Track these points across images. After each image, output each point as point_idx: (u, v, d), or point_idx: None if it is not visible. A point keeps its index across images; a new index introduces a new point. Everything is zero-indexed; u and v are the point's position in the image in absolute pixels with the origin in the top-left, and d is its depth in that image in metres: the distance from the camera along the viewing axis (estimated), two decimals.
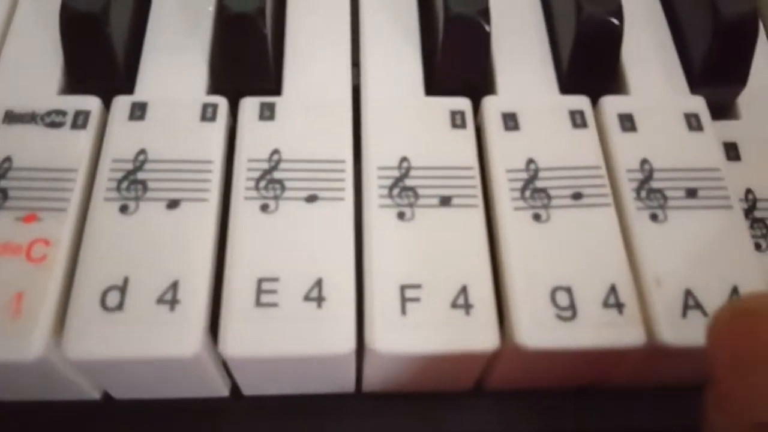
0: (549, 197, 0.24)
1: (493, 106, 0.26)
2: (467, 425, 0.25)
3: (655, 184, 0.25)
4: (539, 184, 0.24)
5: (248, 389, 0.25)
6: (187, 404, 0.25)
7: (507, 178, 0.25)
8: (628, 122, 0.26)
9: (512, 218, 0.24)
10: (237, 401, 0.25)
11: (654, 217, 0.24)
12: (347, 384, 0.25)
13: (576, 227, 0.24)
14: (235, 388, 0.25)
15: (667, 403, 0.25)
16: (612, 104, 0.27)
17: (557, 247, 0.23)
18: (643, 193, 0.24)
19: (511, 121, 0.26)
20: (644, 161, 0.25)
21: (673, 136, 0.26)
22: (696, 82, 0.28)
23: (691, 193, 0.25)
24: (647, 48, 0.29)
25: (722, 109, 0.28)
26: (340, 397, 0.25)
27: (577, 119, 0.26)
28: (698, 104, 0.27)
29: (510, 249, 0.23)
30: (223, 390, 0.25)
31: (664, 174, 0.25)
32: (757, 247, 0.24)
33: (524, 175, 0.25)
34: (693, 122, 0.26)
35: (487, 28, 0.26)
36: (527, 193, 0.24)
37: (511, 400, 0.25)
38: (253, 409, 0.25)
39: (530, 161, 0.25)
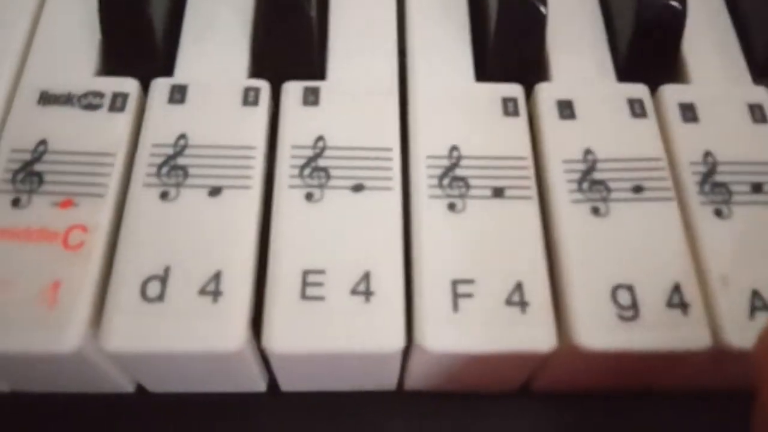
0: (608, 190, 0.23)
1: (547, 93, 0.25)
2: (513, 428, 0.24)
3: (719, 178, 0.23)
4: (597, 175, 0.23)
5: (287, 385, 0.24)
6: (222, 399, 0.24)
7: (563, 169, 0.23)
8: (689, 112, 0.25)
9: (569, 211, 0.23)
10: (274, 397, 0.24)
11: (718, 213, 0.23)
12: (389, 382, 0.24)
13: (637, 222, 0.22)
14: (272, 384, 0.24)
15: (724, 410, 0.24)
16: (672, 93, 0.25)
17: (617, 242, 0.22)
18: (707, 187, 0.23)
19: (566, 109, 0.25)
20: (707, 153, 0.24)
21: (737, 127, 0.25)
22: (759, 71, 0.26)
23: (757, 187, 0.23)
24: (708, 35, 0.27)
25: None
26: (381, 395, 0.24)
27: (636, 108, 0.25)
28: (762, 95, 0.25)
29: (568, 243, 0.22)
30: (260, 385, 0.24)
31: (728, 167, 0.24)
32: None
33: (581, 167, 0.23)
34: (757, 113, 0.25)
35: (543, 10, 0.25)
36: (585, 185, 0.23)
37: (559, 404, 0.24)
38: (291, 405, 0.24)
39: (587, 151, 0.24)
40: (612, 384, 0.24)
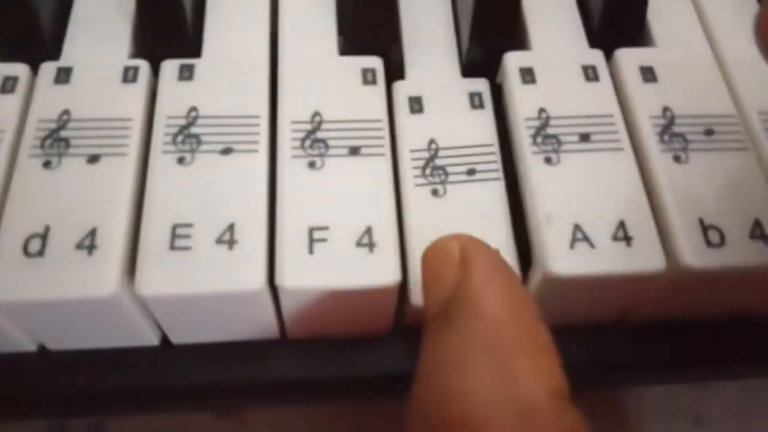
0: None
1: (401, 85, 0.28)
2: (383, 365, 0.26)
3: (550, 131, 0.26)
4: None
5: (176, 337, 0.26)
6: (116, 352, 0.26)
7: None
8: (528, 76, 0.28)
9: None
10: (165, 349, 0.27)
11: (548, 161, 0.26)
12: (270, 329, 0.26)
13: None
14: (165, 339, 0.26)
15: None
16: (514, 59, 0.28)
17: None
18: (539, 139, 0.26)
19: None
20: (541, 109, 0.27)
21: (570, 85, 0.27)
22: (595, 38, 0.29)
23: (585, 137, 0.26)
24: (549, 3, 0.30)
25: None
26: (264, 343, 0.27)
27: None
28: (596, 57, 0.28)
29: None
30: (152, 339, 0.26)
31: (559, 121, 0.27)
32: (677, 159, 0.26)
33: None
34: (590, 73, 0.28)
35: None
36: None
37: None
38: (181, 356, 0.26)
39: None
40: None
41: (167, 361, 0.26)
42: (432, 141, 0.27)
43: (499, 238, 0.25)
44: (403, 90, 0.28)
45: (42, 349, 0.26)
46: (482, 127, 0.27)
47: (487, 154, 0.26)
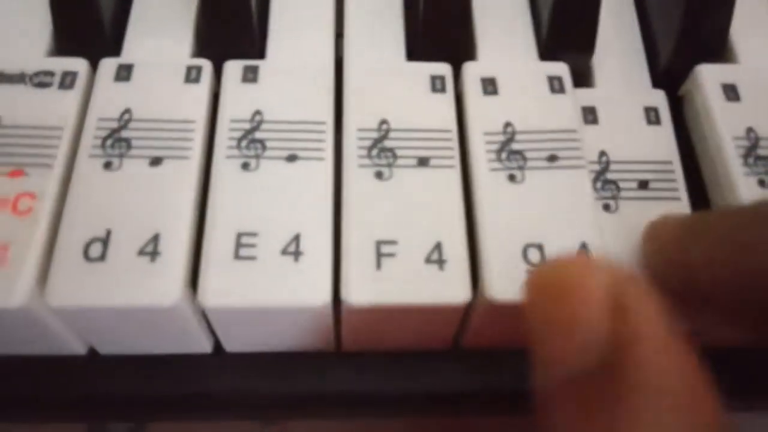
0: (525, 159, 0.25)
1: (472, 71, 0.27)
2: (443, 381, 0.26)
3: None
4: (516, 146, 0.25)
5: (230, 345, 0.25)
6: (169, 359, 0.25)
7: (484, 140, 0.25)
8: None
9: (488, 178, 0.24)
10: (219, 357, 0.26)
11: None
12: (326, 341, 0.25)
13: (550, 187, 0.24)
14: (218, 345, 0.26)
15: None
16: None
17: (531, 206, 0.24)
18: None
19: (490, 86, 0.26)
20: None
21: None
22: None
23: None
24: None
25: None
26: (321, 354, 0.26)
27: (555, 85, 0.27)
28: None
29: (484, 207, 0.24)
30: (205, 346, 0.25)
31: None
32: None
33: (501, 138, 0.25)
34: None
35: None
36: (503, 155, 0.25)
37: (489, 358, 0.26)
38: (235, 364, 0.26)
39: (507, 124, 0.25)
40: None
41: (219, 368, 0.26)
42: (508, 124, 0.25)
43: (585, 232, 0.24)
44: (474, 71, 0.27)
45: (92, 352, 0.25)
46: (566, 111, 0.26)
47: (570, 140, 0.25)
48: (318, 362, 0.26)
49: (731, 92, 0.27)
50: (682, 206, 0.25)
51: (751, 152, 0.25)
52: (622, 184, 0.25)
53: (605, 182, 0.25)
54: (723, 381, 0.23)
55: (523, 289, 0.17)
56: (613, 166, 0.26)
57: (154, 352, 0.25)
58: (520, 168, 0.25)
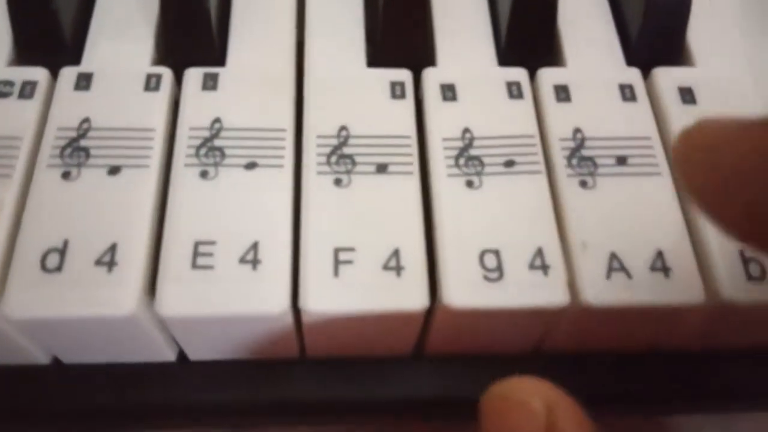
0: (482, 165, 0.25)
1: (432, 78, 0.27)
2: (404, 388, 0.26)
3: (585, 152, 0.25)
4: (474, 152, 0.25)
5: (193, 354, 0.26)
6: (134, 368, 0.25)
7: (443, 146, 0.25)
8: (563, 93, 0.27)
9: (446, 185, 0.24)
10: (183, 365, 0.26)
11: (583, 184, 0.25)
12: (290, 349, 0.25)
13: (507, 194, 0.24)
14: (182, 354, 0.26)
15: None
16: (548, 76, 0.27)
17: (488, 212, 0.24)
18: (574, 161, 0.25)
19: (449, 92, 0.26)
20: (577, 130, 0.26)
21: (607, 105, 0.27)
22: (632, 54, 0.28)
23: (622, 160, 0.25)
24: (586, 19, 0.29)
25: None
26: (285, 362, 0.26)
27: (514, 90, 0.27)
28: (633, 76, 0.27)
29: (443, 213, 0.24)
30: (169, 354, 0.25)
31: (595, 143, 0.26)
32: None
33: (459, 144, 0.25)
34: (627, 93, 0.27)
35: None
36: (461, 161, 0.25)
37: (450, 364, 0.26)
38: (200, 373, 0.26)
39: (466, 130, 0.26)
40: (495, 347, 0.25)
41: (183, 377, 0.26)
42: (466, 130, 0.26)
43: (544, 237, 0.24)
44: (434, 77, 0.27)
45: (56, 362, 0.25)
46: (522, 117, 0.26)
47: (527, 145, 0.26)
48: (281, 369, 0.26)
49: (687, 95, 0.27)
50: (663, 182, 0.25)
51: None
52: (599, 161, 0.25)
53: (581, 159, 0.25)
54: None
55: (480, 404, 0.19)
56: (588, 143, 0.26)
57: (117, 360, 0.25)
58: (478, 174, 0.25)
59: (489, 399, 0.18)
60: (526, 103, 0.26)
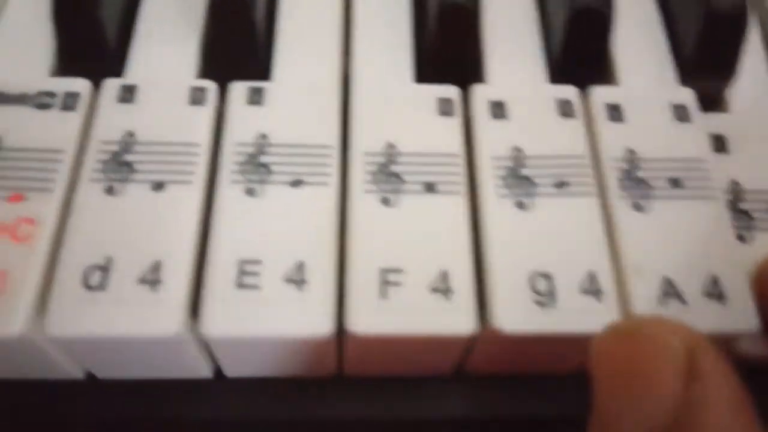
0: (534, 185, 0.24)
1: (481, 94, 0.26)
2: (446, 409, 0.25)
3: (639, 174, 0.25)
4: (524, 171, 0.25)
5: (230, 371, 0.25)
6: (170, 384, 0.25)
7: (492, 165, 0.25)
8: (615, 112, 0.26)
9: (496, 205, 0.24)
10: (219, 382, 0.25)
11: (637, 207, 0.24)
12: (328, 368, 0.25)
13: (559, 215, 0.24)
14: (218, 370, 0.25)
15: None
16: (600, 94, 0.27)
17: (539, 234, 0.23)
18: (628, 183, 0.24)
19: (498, 109, 0.26)
20: (630, 151, 0.25)
21: (660, 126, 0.26)
22: (686, 73, 0.28)
23: (675, 182, 0.25)
24: (638, 38, 0.29)
25: (711, 102, 0.28)
26: (322, 380, 0.25)
27: (565, 108, 0.26)
28: (686, 96, 0.27)
29: (492, 235, 0.23)
30: (205, 371, 0.25)
31: (649, 164, 0.25)
32: (740, 238, 0.24)
33: (509, 163, 0.25)
34: (680, 113, 0.26)
35: (478, 14, 0.26)
36: (511, 181, 0.24)
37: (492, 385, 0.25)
38: (236, 389, 0.25)
39: (516, 149, 0.25)
40: (538, 366, 0.25)
41: (219, 393, 0.25)
42: (517, 149, 0.25)
43: (596, 260, 0.23)
44: (483, 93, 0.26)
45: (90, 377, 0.25)
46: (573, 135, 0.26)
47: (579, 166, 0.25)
48: (321, 388, 0.25)
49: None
50: (717, 206, 0.24)
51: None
52: (653, 182, 0.25)
53: (635, 180, 0.25)
54: None
55: (593, 344, 0.17)
56: (642, 164, 0.25)
57: (152, 376, 0.25)
58: (529, 195, 0.24)
59: (608, 338, 0.17)
60: (577, 122, 0.26)
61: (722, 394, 0.15)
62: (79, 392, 0.25)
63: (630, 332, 0.17)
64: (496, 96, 0.26)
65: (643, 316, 0.17)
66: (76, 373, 0.25)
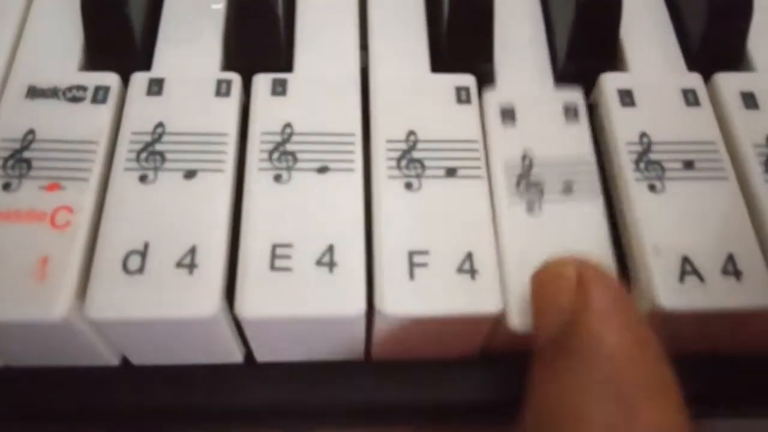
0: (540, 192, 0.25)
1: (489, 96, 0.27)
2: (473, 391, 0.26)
3: (653, 156, 0.26)
4: (535, 172, 0.25)
5: (261, 355, 0.26)
6: (202, 369, 0.26)
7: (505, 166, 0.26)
8: (627, 97, 0.27)
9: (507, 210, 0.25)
10: (252, 367, 0.26)
11: (652, 188, 0.25)
12: (356, 351, 0.26)
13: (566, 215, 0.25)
14: (248, 356, 0.26)
15: None
16: (612, 80, 0.27)
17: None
18: (642, 165, 0.25)
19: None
20: (643, 134, 0.26)
21: (671, 110, 0.27)
22: (693, 59, 0.29)
23: (688, 164, 0.25)
24: (646, 24, 0.29)
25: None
26: (350, 363, 0.26)
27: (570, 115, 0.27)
28: (695, 81, 0.28)
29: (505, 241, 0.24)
30: (237, 356, 0.26)
31: (662, 147, 0.26)
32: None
33: (519, 170, 0.26)
34: (690, 98, 0.27)
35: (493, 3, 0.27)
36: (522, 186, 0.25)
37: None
38: (267, 374, 0.26)
39: (525, 154, 0.26)
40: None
41: (251, 378, 0.26)
42: (526, 154, 0.26)
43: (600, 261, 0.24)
44: (493, 99, 0.27)
45: (124, 363, 0.26)
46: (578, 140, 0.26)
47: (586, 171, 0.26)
48: (350, 371, 0.26)
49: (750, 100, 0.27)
50: (730, 186, 0.25)
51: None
52: (666, 165, 0.26)
53: (649, 163, 0.26)
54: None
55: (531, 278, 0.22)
56: (655, 147, 0.26)
57: (186, 362, 0.25)
58: (539, 196, 0.25)
59: (535, 275, 0.22)
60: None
61: (602, 302, 0.20)
62: (113, 379, 0.26)
63: (544, 267, 0.22)
64: (505, 99, 0.27)
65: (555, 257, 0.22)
66: (113, 359, 0.25)
